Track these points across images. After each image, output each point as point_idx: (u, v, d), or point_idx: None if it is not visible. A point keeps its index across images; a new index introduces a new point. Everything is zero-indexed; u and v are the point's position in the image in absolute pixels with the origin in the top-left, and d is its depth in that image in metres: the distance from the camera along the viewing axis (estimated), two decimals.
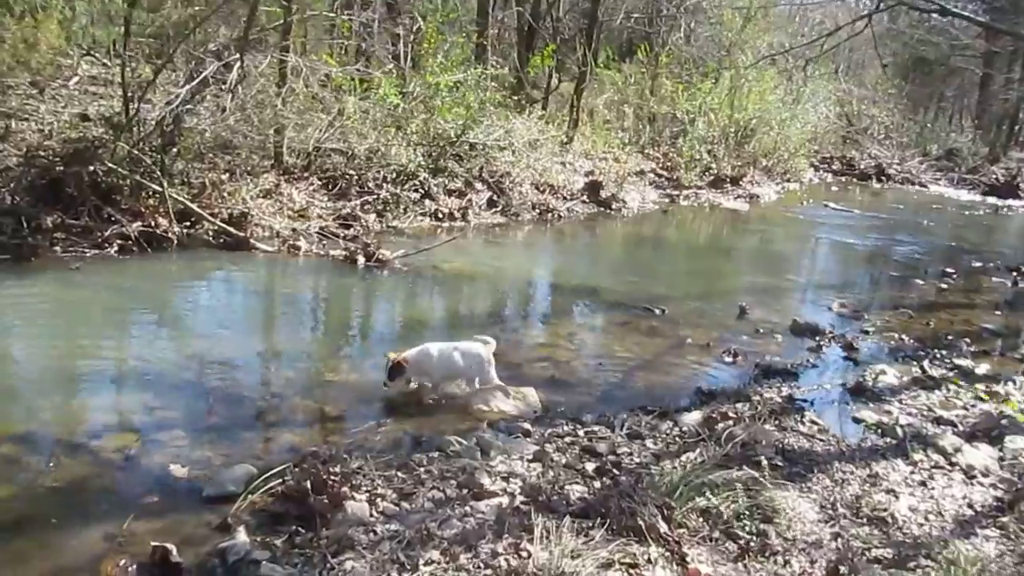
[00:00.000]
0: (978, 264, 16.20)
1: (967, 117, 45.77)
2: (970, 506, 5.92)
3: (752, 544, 4.90)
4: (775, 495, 5.40)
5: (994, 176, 32.27)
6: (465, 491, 5.35)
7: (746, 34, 26.06)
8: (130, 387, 7.23)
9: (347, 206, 13.84)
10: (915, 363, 9.33)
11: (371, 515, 4.99)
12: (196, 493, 5.32)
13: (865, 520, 5.47)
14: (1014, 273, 15.07)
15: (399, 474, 5.56)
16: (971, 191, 30.39)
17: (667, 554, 4.67)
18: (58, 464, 5.61)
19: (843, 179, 30.38)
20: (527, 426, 6.64)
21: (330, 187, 14.31)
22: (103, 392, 7.14)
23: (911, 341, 10.26)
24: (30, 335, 8.38)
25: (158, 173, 11.67)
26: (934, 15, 26.90)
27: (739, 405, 7.41)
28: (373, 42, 19.10)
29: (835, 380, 8.63)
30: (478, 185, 16.26)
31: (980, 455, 6.74)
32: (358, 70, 16.11)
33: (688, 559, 4.66)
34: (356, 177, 14.60)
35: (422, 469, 5.65)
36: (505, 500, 5.20)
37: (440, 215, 14.92)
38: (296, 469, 5.37)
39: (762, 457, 6.05)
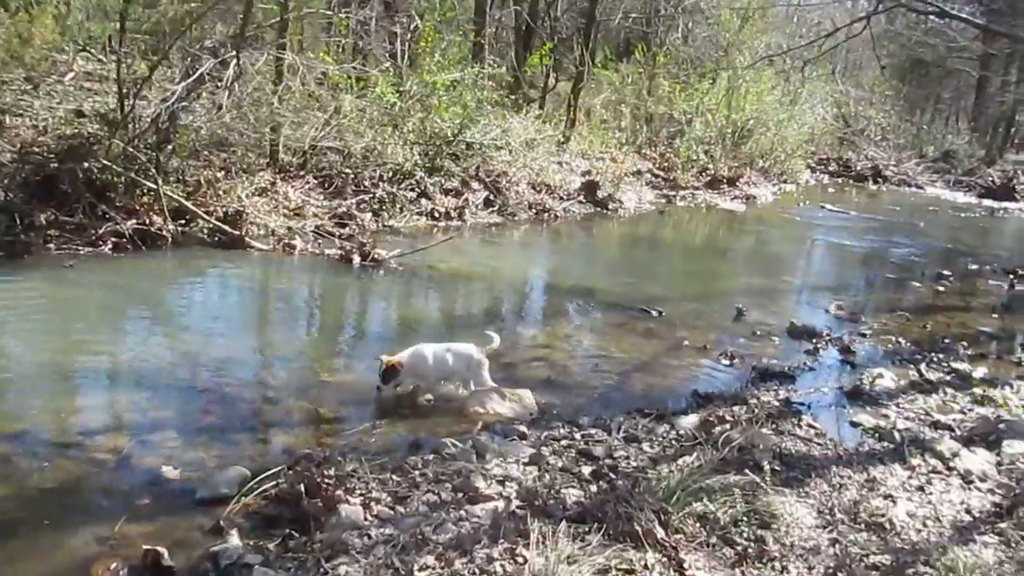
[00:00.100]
0: (974, 267, 16.18)
1: (963, 119, 45.81)
2: (968, 512, 5.88)
3: (750, 550, 4.86)
4: (772, 500, 5.36)
5: (990, 179, 32.29)
6: (460, 495, 5.30)
7: (744, 34, 26.06)
8: (123, 386, 7.17)
9: (343, 205, 13.80)
10: (912, 366, 9.30)
11: (365, 519, 4.94)
12: (189, 495, 5.26)
13: (863, 526, 5.43)
14: (1010, 276, 15.05)
15: (394, 477, 5.51)
16: (967, 193, 30.44)
17: (664, 560, 4.63)
18: (50, 464, 5.55)
19: (839, 180, 30.41)
20: (523, 429, 6.59)
21: (326, 186, 14.27)
22: (96, 391, 7.10)
23: (908, 344, 10.21)
24: (23, 333, 8.31)
25: (153, 170, 11.59)
26: (931, 17, 26.85)
27: (736, 408, 7.38)
28: (370, 40, 19.08)
29: (832, 383, 8.59)
30: (474, 184, 16.23)
31: (978, 460, 6.71)
32: (355, 68, 16.10)
33: (685, 565, 4.62)
34: (352, 176, 14.55)
35: (417, 472, 5.61)
36: (501, 504, 5.15)
37: (436, 214, 14.89)
38: (290, 472, 5.34)
39: (760, 462, 6.02)
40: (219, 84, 13.29)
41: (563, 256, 15.10)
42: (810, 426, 7.15)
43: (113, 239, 10.92)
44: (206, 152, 13.25)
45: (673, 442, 6.55)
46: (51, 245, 10.55)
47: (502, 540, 4.65)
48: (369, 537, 4.73)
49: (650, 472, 5.70)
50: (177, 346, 8.15)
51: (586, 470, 5.84)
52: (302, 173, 14.25)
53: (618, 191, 18.90)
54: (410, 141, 15.73)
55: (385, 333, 9.58)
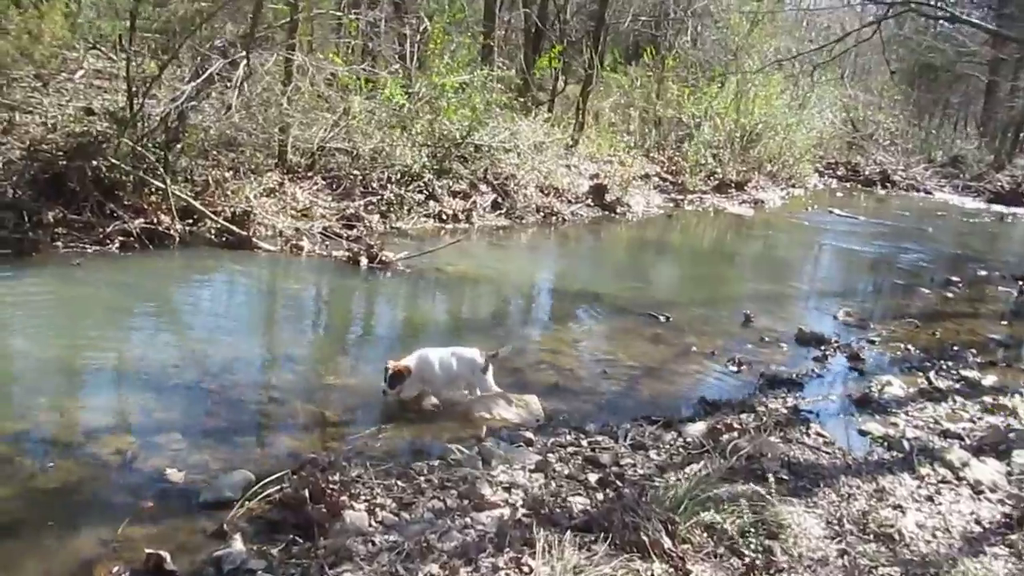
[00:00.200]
0: (983, 273, 16.11)
1: (972, 124, 45.63)
2: (978, 522, 5.83)
3: (757, 561, 4.81)
4: (781, 510, 5.31)
5: (999, 184, 32.15)
6: (466, 501, 5.26)
7: (753, 38, 25.97)
8: (128, 387, 7.15)
9: (351, 206, 13.77)
10: (921, 374, 9.25)
11: (370, 525, 4.91)
12: (192, 498, 5.24)
13: (872, 536, 5.38)
14: (1020, 282, 14.97)
15: (399, 483, 5.48)
16: (976, 198, 30.29)
17: (671, 571, 4.58)
18: (54, 465, 5.54)
19: (848, 185, 30.33)
20: (529, 435, 6.56)
21: (334, 187, 14.25)
22: (101, 392, 7.06)
23: (917, 351, 10.17)
24: (29, 331, 8.32)
25: (161, 170, 11.59)
26: (941, 21, 26.75)
27: (744, 416, 7.32)
28: (379, 42, 19.05)
29: (841, 391, 8.55)
30: (483, 187, 16.19)
31: (987, 470, 6.66)
32: (364, 70, 16.09)
33: None
34: (360, 177, 14.52)
35: (422, 478, 5.57)
36: (507, 512, 5.11)
37: (444, 217, 14.85)
38: (294, 476, 5.31)
39: (768, 471, 5.97)
40: (228, 84, 13.27)
41: (571, 260, 15.06)
42: (819, 434, 7.09)
43: (121, 238, 10.92)
44: (215, 152, 13.25)
45: (680, 450, 6.50)
46: (59, 243, 10.55)
47: (508, 549, 4.61)
48: (373, 544, 4.69)
49: (657, 480, 5.66)
50: (183, 346, 8.15)
51: (593, 478, 5.80)
52: (310, 174, 14.23)
53: (626, 195, 18.84)
54: (418, 143, 15.70)
55: (392, 336, 9.56)
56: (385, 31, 19.51)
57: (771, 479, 5.81)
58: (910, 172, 32.95)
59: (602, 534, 4.76)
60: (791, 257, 17.48)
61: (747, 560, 4.82)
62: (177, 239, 11.32)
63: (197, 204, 11.79)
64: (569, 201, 17.66)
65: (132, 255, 10.73)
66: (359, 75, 15.72)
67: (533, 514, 5.06)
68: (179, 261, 11.05)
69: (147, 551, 4.49)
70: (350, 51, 18.59)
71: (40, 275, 9.74)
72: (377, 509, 5.08)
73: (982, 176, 33.76)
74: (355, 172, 14.55)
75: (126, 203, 11.35)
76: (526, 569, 4.43)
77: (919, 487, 6.27)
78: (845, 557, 5.06)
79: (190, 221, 11.71)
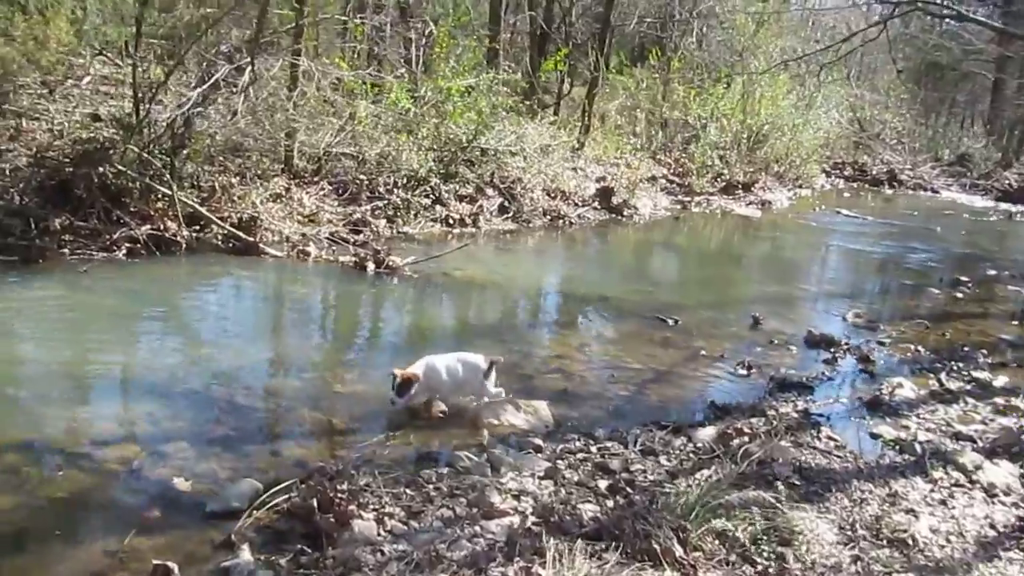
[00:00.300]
0: (992, 272, 16.03)
1: (979, 122, 45.47)
2: (992, 527, 5.77)
3: (770, 569, 4.76)
4: (793, 516, 5.27)
5: (1007, 182, 32.01)
6: (475, 510, 5.22)
7: (759, 39, 25.91)
8: (135, 395, 7.14)
9: (357, 211, 13.75)
10: (932, 375, 9.19)
11: (379, 534, 4.87)
12: (199, 508, 5.21)
13: (885, 542, 5.32)
14: None
15: (407, 491, 5.44)
16: (984, 197, 30.16)
17: None
18: (60, 474, 5.52)
19: (855, 185, 30.22)
20: (538, 441, 6.51)
21: (340, 192, 14.23)
22: (108, 400, 7.05)
23: (927, 353, 10.10)
24: (36, 339, 8.32)
25: (167, 176, 11.59)
26: (947, 20, 26.67)
27: (754, 420, 7.27)
28: (385, 46, 19.07)
29: (851, 394, 8.48)
30: (489, 191, 16.16)
31: (1001, 472, 6.60)
32: (370, 74, 16.06)
33: None
34: (367, 182, 14.50)
35: (431, 486, 5.54)
36: (516, 520, 5.07)
37: (451, 221, 14.82)
38: (302, 485, 5.27)
39: (779, 476, 5.93)
40: (234, 89, 13.27)
41: (578, 263, 15.01)
42: (830, 438, 7.04)
43: (127, 244, 10.92)
44: (221, 158, 13.24)
45: (691, 455, 6.46)
46: (65, 250, 10.56)
47: (517, 558, 4.56)
48: (382, 553, 4.65)
49: (668, 486, 5.61)
50: (190, 353, 8.13)
51: (602, 484, 5.75)
52: (316, 179, 14.21)
53: (633, 197, 18.77)
54: (425, 147, 15.67)
55: (399, 342, 9.52)
56: (391, 35, 19.54)
57: (782, 485, 5.77)
58: (917, 171, 32.82)
59: (613, 542, 4.71)
60: (799, 258, 17.41)
61: (759, 568, 4.77)
62: (184, 245, 11.31)
63: (203, 210, 11.77)
64: (576, 204, 17.62)
65: (139, 261, 10.73)
66: (365, 80, 15.72)
67: (543, 522, 5.02)
68: (186, 267, 11.05)
69: (154, 562, 4.46)
70: (356, 56, 18.54)
71: (47, 282, 9.74)
72: (386, 518, 5.04)
73: (990, 174, 33.60)
74: (361, 177, 14.52)
75: (133, 209, 11.34)
76: None
77: (932, 491, 6.22)
78: (858, 563, 5.01)
79: (197, 227, 11.70)
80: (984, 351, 10.27)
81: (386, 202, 14.26)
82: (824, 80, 26.37)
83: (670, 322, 10.27)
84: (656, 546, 4.64)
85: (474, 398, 7.19)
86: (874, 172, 32.06)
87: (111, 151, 11.48)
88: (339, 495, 5.07)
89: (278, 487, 5.21)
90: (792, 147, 25.97)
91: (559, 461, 6.17)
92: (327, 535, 4.79)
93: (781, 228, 20.03)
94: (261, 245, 11.71)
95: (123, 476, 5.59)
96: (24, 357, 7.94)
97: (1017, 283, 15.05)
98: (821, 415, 7.68)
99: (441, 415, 7.01)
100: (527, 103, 20.18)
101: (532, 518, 5.12)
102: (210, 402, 6.91)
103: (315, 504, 4.96)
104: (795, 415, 7.58)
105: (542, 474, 5.89)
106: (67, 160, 11.34)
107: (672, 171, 22.66)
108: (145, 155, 11.61)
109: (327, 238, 12.70)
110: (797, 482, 6.01)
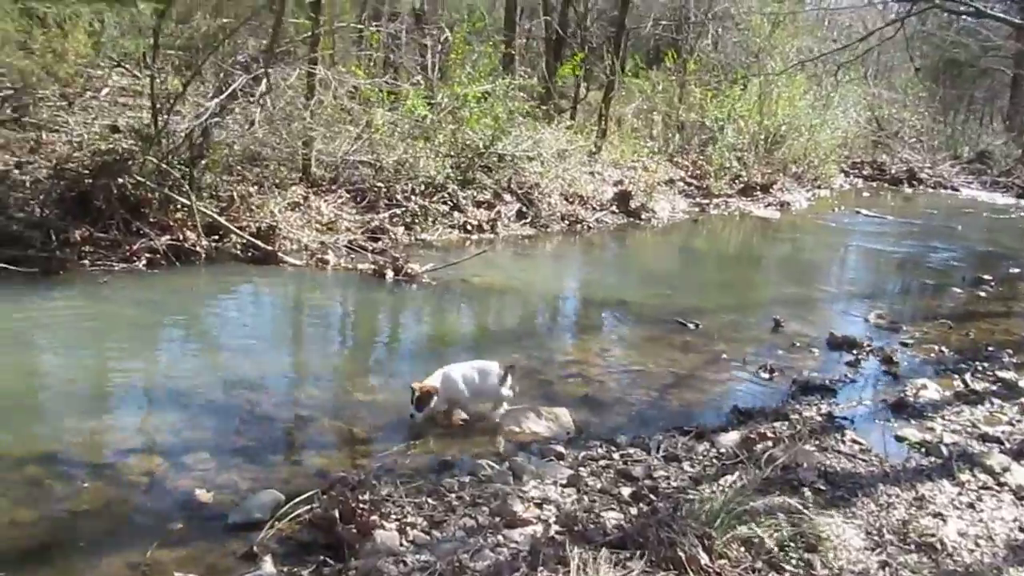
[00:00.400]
0: (1015, 270, 15.87)
1: (998, 119, 45.14)
2: (1022, 530, 5.69)
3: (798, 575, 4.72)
4: (819, 522, 5.20)
5: None
6: (497, 519, 5.18)
7: (774, 39, 25.78)
8: (156, 405, 7.14)
9: (375, 219, 13.76)
10: (956, 376, 9.10)
11: (401, 544, 4.84)
12: (221, 519, 5.20)
13: (913, 547, 5.25)
14: None
15: (429, 500, 5.41)
16: (1005, 194, 29.91)
17: None
18: (83, 487, 5.52)
19: (874, 184, 30.01)
20: (560, 448, 6.48)
21: (358, 200, 14.23)
22: (129, 411, 7.04)
23: (951, 353, 10.01)
24: (57, 350, 8.37)
25: (186, 186, 11.63)
26: (965, 16, 26.52)
27: (778, 424, 7.22)
28: (401, 53, 19.11)
29: (875, 396, 8.40)
30: (507, 196, 16.14)
31: None
32: (386, 82, 16.08)
33: None
34: (384, 189, 14.50)
35: (453, 495, 5.51)
36: (539, 528, 5.04)
37: (469, 227, 14.80)
38: (324, 496, 5.24)
39: (804, 481, 5.87)
40: (252, 99, 13.31)
41: (597, 267, 14.97)
42: (854, 442, 6.96)
43: (147, 255, 10.93)
44: (239, 167, 13.28)
45: (714, 461, 6.40)
46: (85, 261, 10.58)
47: (541, 568, 4.51)
48: (405, 564, 4.62)
49: (691, 493, 5.55)
50: (210, 363, 8.15)
51: (625, 491, 5.70)
52: (334, 187, 14.22)
53: (651, 200, 18.70)
54: (442, 154, 15.67)
55: (419, 349, 9.49)
56: (406, 43, 19.58)
57: (807, 490, 5.71)
58: (937, 169, 32.56)
59: (637, 551, 4.66)
60: (819, 259, 17.28)
61: (787, 575, 4.72)
62: (203, 255, 11.33)
63: (222, 220, 11.81)
64: (594, 208, 17.56)
65: (159, 272, 10.75)
66: (381, 87, 15.72)
67: (566, 531, 4.97)
68: (205, 277, 11.07)
69: (177, 574, 4.46)
70: (372, 63, 18.61)
71: (68, 293, 9.78)
72: (408, 528, 5.02)
73: (1010, 171, 33.34)
74: (379, 184, 14.53)
75: (152, 220, 11.37)
76: None
77: (959, 494, 6.14)
78: (887, 569, 4.94)
79: (216, 237, 11.73)
80: (1009, 350, 10.15)
81: (404, 209, 14.25)
82: (841, 79, 26.23)
83: (691, 326, 10.21)
84: (681, 554, 4.59)
85: (492, 406, 7.15)
86: (893, 171, 31.82)
87: (130, 162, 11.51)
88: (361, 505, 5.04)
89: (300, 498, 5.19)
90: (810, 147, 25.85)
91: (581, 468, 6.14)
92: (349, 546, 4.77)
93: (800, 229, 19.90)
94: (280, 254, 11.72)
95: (145, 488, 5.59)
96: (45, 368, 7.98)
97: None
98: (845, 418, 7.61)
99: (462, 423, 6.99)
100: (543, 108, 20.15)
101: (555, 527, 5.08)
102: (231, 412, 6.91)
103: (337, 515, 4.94)
104: (819, 418, 7.52)
105: (564, 482, 5.85)
106: (86, 171, 11.38)
107: (689, 173, 22.58)
108: (164, 166, 11.65)
109: (346, 246, 12.70)
110: (822, 487, 5.95)
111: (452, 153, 15.92)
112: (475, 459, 6.20)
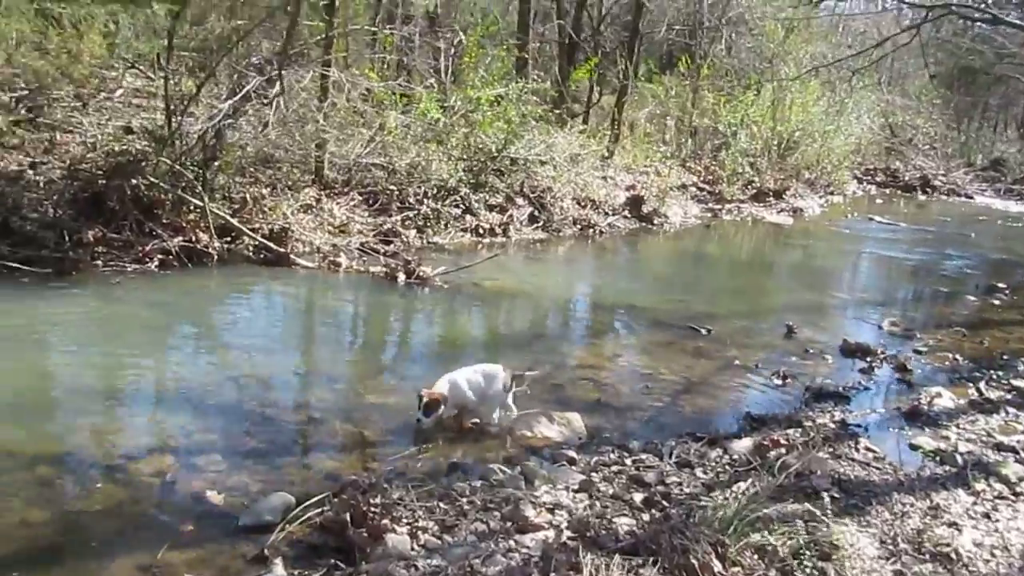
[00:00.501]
0: None
1: (1012, 126, 45.00)
2: None
3: None
4: (833, 530, 5.15)
5: None
6: (509, 524, 5.15)
7: (788, 45, 25.72)
8: (168, 407, 7.14)
9: (388, 221, 13.75)
10: (971, 384, 9.04)
11: (412, 549, 4.81)
12: (232, 521, 5.17)
13: (928, 556, 5.20)
14: None
15: (441, 505, 5.38)
16: (1019, 202, 29.80)
17: None
18: (94, 487, 5.51)
19: (887, 191, 29.94)
20: (572, 453, 6.44)
21: (371, 202, 14.24)
22: (141, 412, 7.06)
23: (966, 361, 9.94)
24: (69, 350, 8.39)
25: (199, 188, 11.65)
26: (980, 23, 26.40)
27: (791, 431, 7.16)
28: (414, 56, 19.11)
29: (889, 403, 8.35)
30: (519, 200, 16.13)
31: None
32: (399, 85, 16.08)
33: None
34: (397, 192, 14.50)
35: (465, 499, 5.47)
36: (551, 534, 5.01)
37: (481, 231, 14.79)
38: (335, 499, 5.22)
39: (818, 489, 5.83)
40: (265, 101, 13.32)
41: (609, 272, 14.95)
42: (868, 449, 6.91)
43: (160, 256, 10.96)
44: (252, 169, 13.31)
45: (727, 467, 6.36)
46: (98, 262, 10.61)
47: (553, 574, 4.49)
48: (416, 568, 4.60)
49: (704, 500, 5.51)
50: (222, 365, 8.15)
51: (638, 497, 5.67)
52: (347, 190, 14.24)
53: (663, 205, 18.70)
54: (454, 157, 15.66)
55: (430, 352, 9.49)
56: (420, 46, 19.58)
57: (823, 497, 5.67)
58: (950, 176, 32.47)
59: (650, 557, 4.61)
60: (832, 266, 17.23)
61: None
62: (215, 257, 11.35)
63: (235, 221, 11.82)
64: (606, 213, 17.55)
65: (171, 273, 10.77)
66: (394, 90, 15.73)
67: (578, 536, 4.94)
68: (217, 279, 11.09)
69: None
70: (385, 66, 18.60)
71: (80, 293, 9.81)
72: (419, 532, 4.98)
73: None
74: (391, 187, 14.54)
75: (165, 221, 11.40)
76: None
77: (975, 503, 6.08)
78: None
79: (228, 239, 11.75)
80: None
81: (416, 212, 14.25)
82: (855, 86, 26.17)
83: (703, 331, 10.17)
84: (694, 561, 4.54)
85: (500, 410, 7.10)
86: (906, 178, 31.75)
87: (143, 163, 11.54)
88: (372, 509, 5.02)
89: (311, 501, 5.17)
90: (823, 153, 25.81)
91: (593, 473, 6.10)
92: (360, 549, 4.74)
93: (813, 235, 19.85)
94: (292, 256, 11.73)
95: (156, 489, 5.57)
96: (57, 368, 8.00)
97: None
98: (859, 426, 7.56)
99: (472, 427, 6.97)
100: (556, 112, 20.09)
101: (567, 532, 5.05)
102: (242, 414, 6.90)
103: (348, 518, 4.92)
104: (832, 426, 7.46)
105: (576, 487, 5.81)
106: (100, 172, 11.42)
107: (702, 179, 22.56)
108: (177, 167, 11.68)
109: (358, 249, 12.70)
110: (836, 495, 5.89)
111: (465, 156, 15.92)
112: (486, 463, 6.17)
